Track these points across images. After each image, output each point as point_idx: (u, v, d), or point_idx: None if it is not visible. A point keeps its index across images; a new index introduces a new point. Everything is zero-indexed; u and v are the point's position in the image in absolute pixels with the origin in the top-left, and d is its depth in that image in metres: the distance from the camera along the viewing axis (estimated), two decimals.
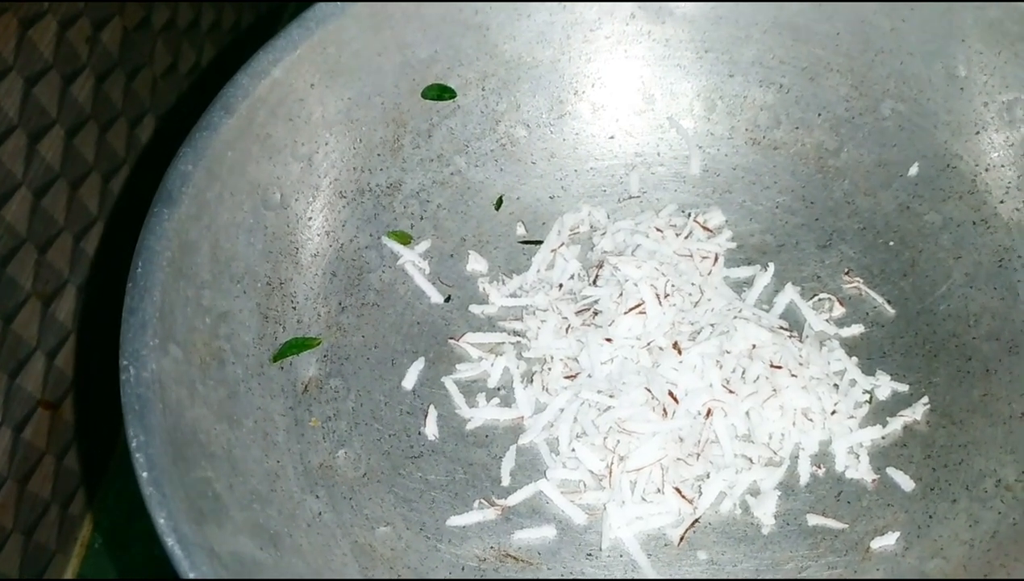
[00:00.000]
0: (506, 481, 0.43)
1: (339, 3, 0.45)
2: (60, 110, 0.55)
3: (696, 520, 0.41)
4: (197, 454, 0.36)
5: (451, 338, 0.47)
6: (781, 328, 0.45)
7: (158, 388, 0.36)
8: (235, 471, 0.38)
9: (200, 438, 0.37)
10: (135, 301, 0.37)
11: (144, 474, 0.33)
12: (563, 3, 0.49)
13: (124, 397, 0.35)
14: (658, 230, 0.48)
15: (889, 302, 0.46)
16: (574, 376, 0.45)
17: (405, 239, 0.49)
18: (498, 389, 0.46)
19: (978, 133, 0.46)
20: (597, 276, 0.47)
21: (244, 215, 0.44)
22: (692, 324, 0.45)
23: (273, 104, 0.45)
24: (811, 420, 0.43)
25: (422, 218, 0.50)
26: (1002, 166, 0.46)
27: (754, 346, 0.44)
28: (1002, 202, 0.46)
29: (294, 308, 0.45)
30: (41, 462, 0.54)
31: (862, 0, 0.47)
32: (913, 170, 0.48)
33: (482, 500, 0.43)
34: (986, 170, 0.46)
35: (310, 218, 0.47)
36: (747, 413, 0.43)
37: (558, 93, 0.51)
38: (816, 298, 0.47)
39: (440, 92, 0.50)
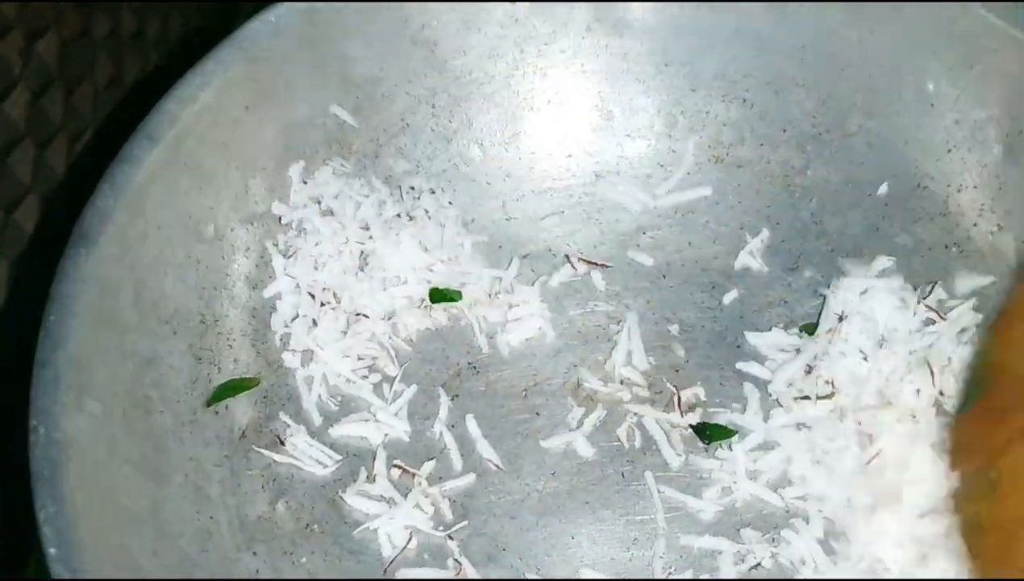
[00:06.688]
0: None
1: (272, 21, 0.43)
2: None
3: None
4: (118, 520, 0.34)
5: None
6: None
7: (72, 450, 0.33)
8: (162, 534, 0.35)
9: (121, 501, 0.34)
10: (46, 353, 0.35)
11: (52, 550, 0.31)
12: (515, 16, 0.46)
13: (32, 462, 0.32)
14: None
15: None
16: None
17: None
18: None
19: (950, 152, 0.44)
20: None
21: (173, 250, 0.41)
22: None
23: (203, 131, 0.42)
24: None
25: None
26: (975, 188, 0.44)
27: None
28: (975, 225, 0.44)
29: (230, 346, 0.43)
30: None
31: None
32: (883, 189, 0.46)
33: None
34: (958, 191, 0.44)
35: (248, 248, 0.44)
36: None
37: (512, 110, 0.49)
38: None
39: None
